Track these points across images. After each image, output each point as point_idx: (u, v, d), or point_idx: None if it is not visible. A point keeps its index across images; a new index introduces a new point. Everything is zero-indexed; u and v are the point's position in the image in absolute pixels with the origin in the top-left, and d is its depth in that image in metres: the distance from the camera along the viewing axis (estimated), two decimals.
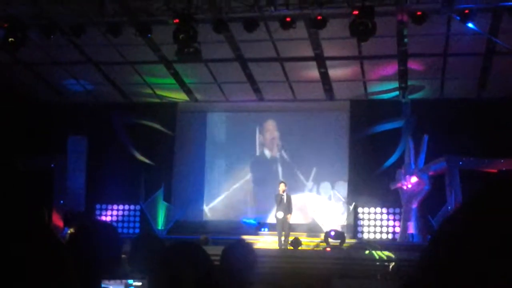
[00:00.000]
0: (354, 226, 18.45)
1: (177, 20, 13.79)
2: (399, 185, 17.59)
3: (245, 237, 15.01)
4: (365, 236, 18.22)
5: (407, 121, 18.22)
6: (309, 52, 16.42)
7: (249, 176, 19.87)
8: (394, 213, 18.24)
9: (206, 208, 19.88)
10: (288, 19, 14.02)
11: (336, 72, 17.45)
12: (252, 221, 19.04)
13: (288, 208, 15.76)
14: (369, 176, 17.97)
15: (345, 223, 18.41)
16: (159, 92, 19.55)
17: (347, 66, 17.33)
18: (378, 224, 18.39)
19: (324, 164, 19.15)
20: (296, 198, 17.18)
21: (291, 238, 15.71)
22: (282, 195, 15.81)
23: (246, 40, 15.66)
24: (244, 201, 19.63)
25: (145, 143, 19.59)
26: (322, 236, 16.43)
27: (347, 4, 13.43)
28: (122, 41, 15.55)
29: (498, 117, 17.06)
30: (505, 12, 13.60)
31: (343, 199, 18.85)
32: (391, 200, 17.98)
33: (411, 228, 17.29)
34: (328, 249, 15.72)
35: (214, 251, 3.77)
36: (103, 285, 2.92)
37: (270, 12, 13.88)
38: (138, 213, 19.60)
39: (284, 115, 19.72)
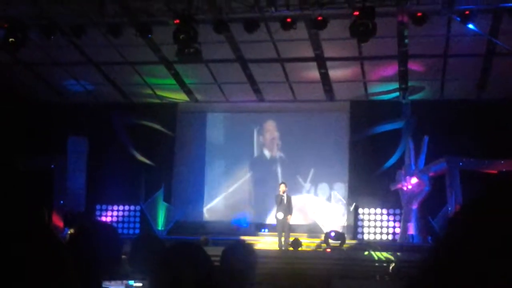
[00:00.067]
0: (354, 227, 18.44)
1: (177, 21, 13.78)
2: (399, 186, 17.58)
3: (245, 237, 15.09)
4: (365, 237, 18.21)
5: (407, 122, 18.21)
6: (310, 53, 16.42)
7: (248, 176, 19.87)
8: (394, 214, 18.24)
9: (206, 209, 19.88)
10: (288, 19, 14.02)
11: (336, 72, 17.46)
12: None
13: (288, 209, 15.76)
14: (369, 177, 17.96)
15: (345, 224, 18.42)
16: (159, 92, 19.55)
17: (347, 67, 17.33)
18: (378, 225, 18.38)
19: (324, 165, 19.13)
20: (295, 199, 17.17)
21: (291, 239, 15.71)
22: (283, 196, 15.80)
23: (247, 41, 15.66)
24: (244, 201, 19.62)
25: (145, 144, 19.58)
26: (322, 237, 16.44)
27: (347, 5, 13.43)
28: (123, 41, 15.56)
29: (498, 118, 17.06)
30: (505, 13, 13.60)
31: (343, 200, 18.86)
32: (391, 201, 17.97)
33: (411, 229, 17.28)
34: (328, 250, 15.73)
35: (214, 251, 3.76)
36: (103, 286, 2.92)
37: (271, 12, 13.88)
38: (138, 214, 19.60)
39: (284, 115, 19.71)
